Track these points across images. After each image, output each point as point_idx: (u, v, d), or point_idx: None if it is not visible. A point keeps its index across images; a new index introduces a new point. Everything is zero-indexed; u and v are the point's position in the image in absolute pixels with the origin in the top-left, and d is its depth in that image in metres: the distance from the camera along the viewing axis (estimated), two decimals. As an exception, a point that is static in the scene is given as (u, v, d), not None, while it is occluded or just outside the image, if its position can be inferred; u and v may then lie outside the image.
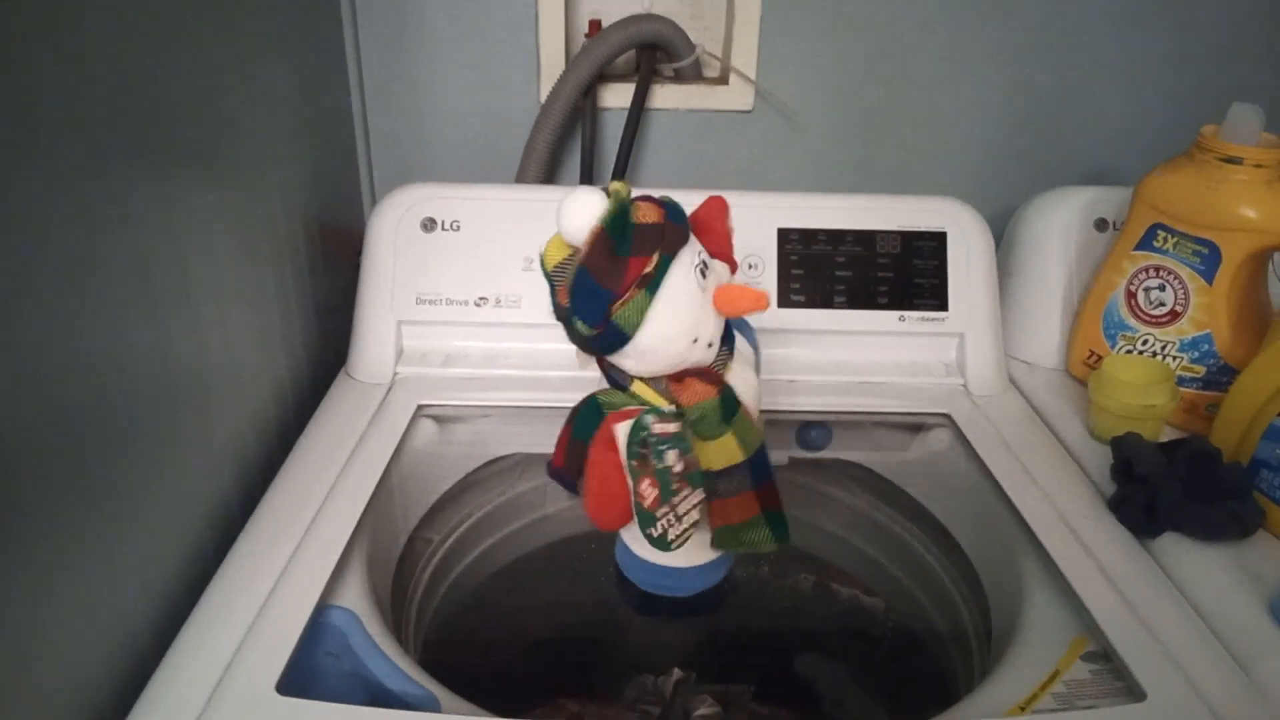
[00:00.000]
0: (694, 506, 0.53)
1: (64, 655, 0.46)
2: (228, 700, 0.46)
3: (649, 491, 0.52)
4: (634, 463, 0.52)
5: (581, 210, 0.49)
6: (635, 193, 0.52)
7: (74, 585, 0.46)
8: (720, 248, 0.57)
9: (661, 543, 0.53)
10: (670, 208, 0.52)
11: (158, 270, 0.54)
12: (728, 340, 0.56)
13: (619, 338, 0.51)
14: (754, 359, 0.62)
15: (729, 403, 0.53)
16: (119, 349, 0.51)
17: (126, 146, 0.51)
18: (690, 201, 0.55)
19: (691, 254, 0.52)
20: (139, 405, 0.53)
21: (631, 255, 0.50)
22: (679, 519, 0.53)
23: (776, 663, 0.69)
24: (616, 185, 0.51)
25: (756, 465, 0.54)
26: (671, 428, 0.52)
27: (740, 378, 0.57)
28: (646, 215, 0.50)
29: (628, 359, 0.53)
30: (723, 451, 0.53)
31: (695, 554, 0.58)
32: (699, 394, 0.53)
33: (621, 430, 0.52)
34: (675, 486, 0.52)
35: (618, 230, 0.49)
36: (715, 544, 0.57)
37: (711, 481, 0.54)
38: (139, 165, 0.52)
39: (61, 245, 0.45)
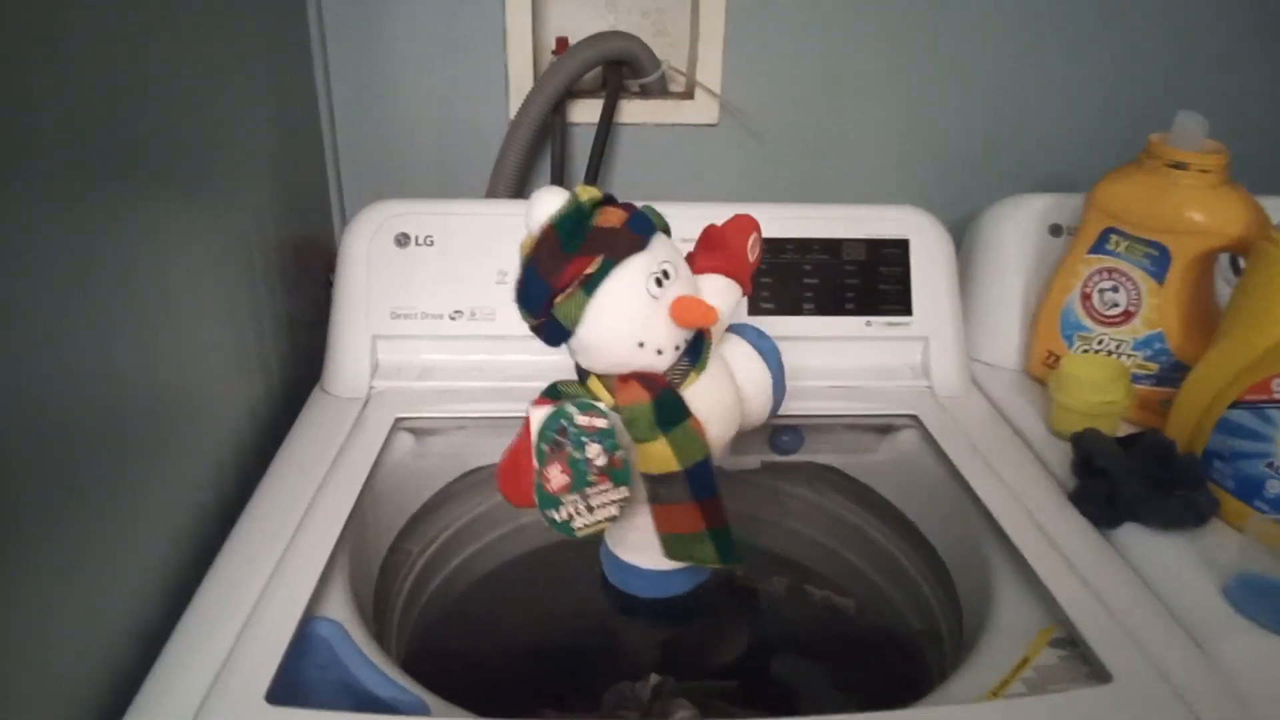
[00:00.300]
0: (611, 502, 0.55)
1: (46, 670, 0.46)
2: (217, 711, 0.46)
3: (557, 477, 0.53)
4: (545, 447, 0.53)
5: (541, 208, 0.54)
6: (622, 200, 0.54)
7: (52, 600, 0.46)
8: (730, 266, 0.60)
9: (565, 528, 0.54)
10: (635, 217, 0.54)
11: (141, 287, 0.55)
12: (692, 353, 0.57)
13: (560, 331, 0.54)
14: (768, 384, 0.63)
15: (667, 409, 0.55)
16: (104, 364, 0.51)
17: (112, 167, 0.52)
18: (666, 214, 0.57)
19: (648, 261, 0.54)
20: (123, 419, 0.53)
21: (576, 254, 0.53)
22: (590, 509, 0.54)
23: (753, 665, 0.70)
24: (580, 189, 0.54)
25: (695, 478, 0.56)
26: (599, 423, 0.54)
27: (712, 394, 0.58)
28: (607, 220, 0.54)
29: (577, 354, 0.56)
30: (656, 457, 0.55)
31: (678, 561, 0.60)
32: (634, 396, 0.55)
33: (536, 416, 0.53)
34: (592, 479, 0.53)
35: (566, 229, 0.53)
36: (666, 552, 0.58)
37: (652, 486, 0.56)
38: (123, 185, 0.53)
39: (52, 262, 0.46)
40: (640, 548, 0.61)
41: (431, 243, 0.80)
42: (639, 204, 0.57)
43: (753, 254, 0.63)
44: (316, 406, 0.77)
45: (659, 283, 0.54)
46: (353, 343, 0.79)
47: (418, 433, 0.76)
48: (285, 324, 0.81)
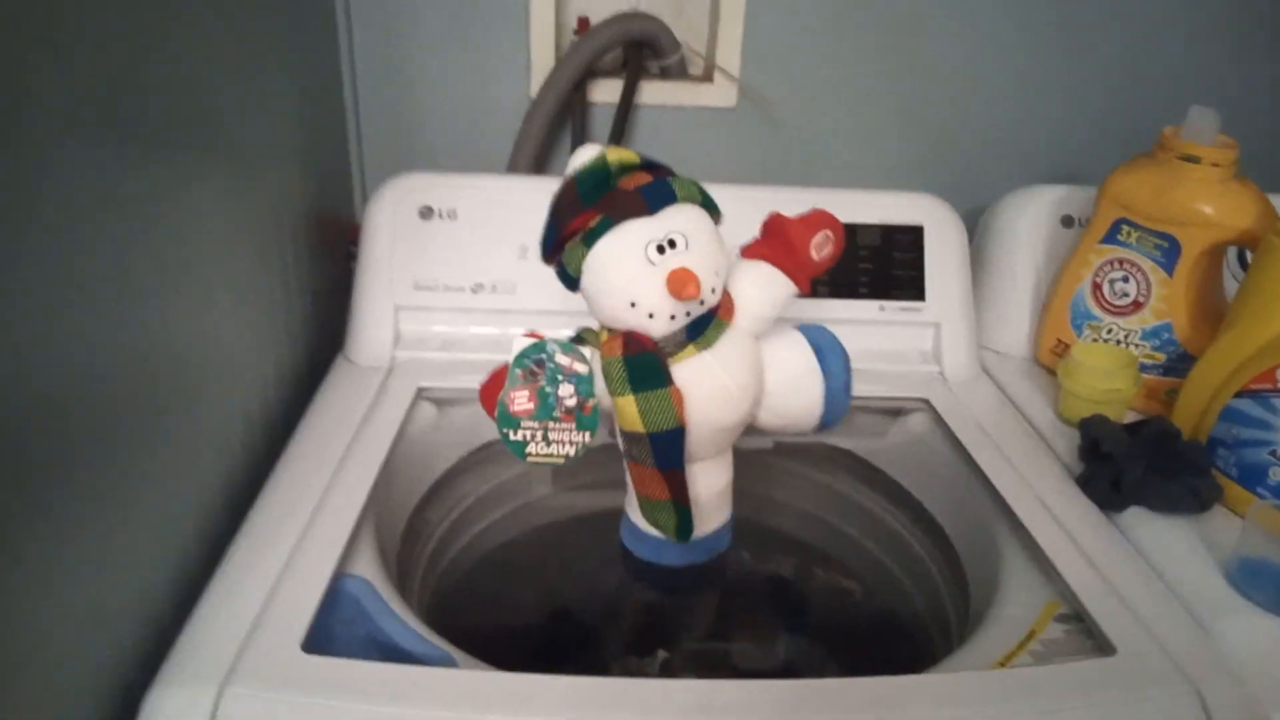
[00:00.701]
0: (570, 443, 0.58)
1: (94, 616, 0.48)
2: (255, 658, 0.48)
3: (523, 401, 0.56)
4: (518, 372, 0.57)
5: (575, 160, 0.58)
6: (665, 168, 0.58)
7: (100, 548, 0.48)
8: (780, 258, 0.61)
9: (518, 449, 0.58)
10: (652, 184, 0.57)
11: (167, 259, 0.56)
12: (695, 328, 0.58)
13: (568, 278, 0.59)
14: (815, 388, 0.62)
15: (640, 371, 0.56)
16: (139, 330, 0.52)
17: (144, 143, 0.53)
18: None
19: (651, 227, 0.56)
20: (157, 380, 0.54)
21: (588, 208, 0.57)
22: (546, 441, 0.57)
23: (759, 643, 0.72)
24: (612, 149, 0.57)
25: (659, 445, 0.57)
26: (578, 367, 0.57)
27: (711, 374, 0.59)
28: (627, 183, 0.57)
29: (587, 303, 0.59)
30: (624, 414, 0.57)
31: (724, 512, 0.65)
32: (611, 350, 0.57)
33: (518, 343, 0.57)
34: (558, 414, 0.57)
35: (587, 183, 0.57)
36: (642, 512, 0.62)
37: (625, 442, 0.59)
38: (155, 161, 0.54)
39: (90, 234, 0.47)
40: (698, 520, 0.63)
41: (454, 216, 0.81)
42: (681, 175, 0.59)
43: (819, 253, 0.61)
44: (340, 374, 0.79)
45: (660, 249, 0.56)
46: (376, 313, 0.80)
47: (439, 403, 0.77)
48: (309, 293, 0.82)
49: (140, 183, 0.52)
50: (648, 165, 0.60)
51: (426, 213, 0.81)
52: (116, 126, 0.50)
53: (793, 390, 0.62)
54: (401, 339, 0.81)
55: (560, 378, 0.57)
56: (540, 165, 0.97)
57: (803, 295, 0.62)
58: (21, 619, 0.42)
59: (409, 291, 0.81)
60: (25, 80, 0.41)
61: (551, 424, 0.57)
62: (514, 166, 0.96)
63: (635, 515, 0.64)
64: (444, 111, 0.98)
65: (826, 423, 0.63)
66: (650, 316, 0.57)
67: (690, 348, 0.58)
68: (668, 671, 0.66)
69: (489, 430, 0.77)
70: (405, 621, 0.54)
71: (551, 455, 0.58)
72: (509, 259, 0.81)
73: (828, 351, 0.63)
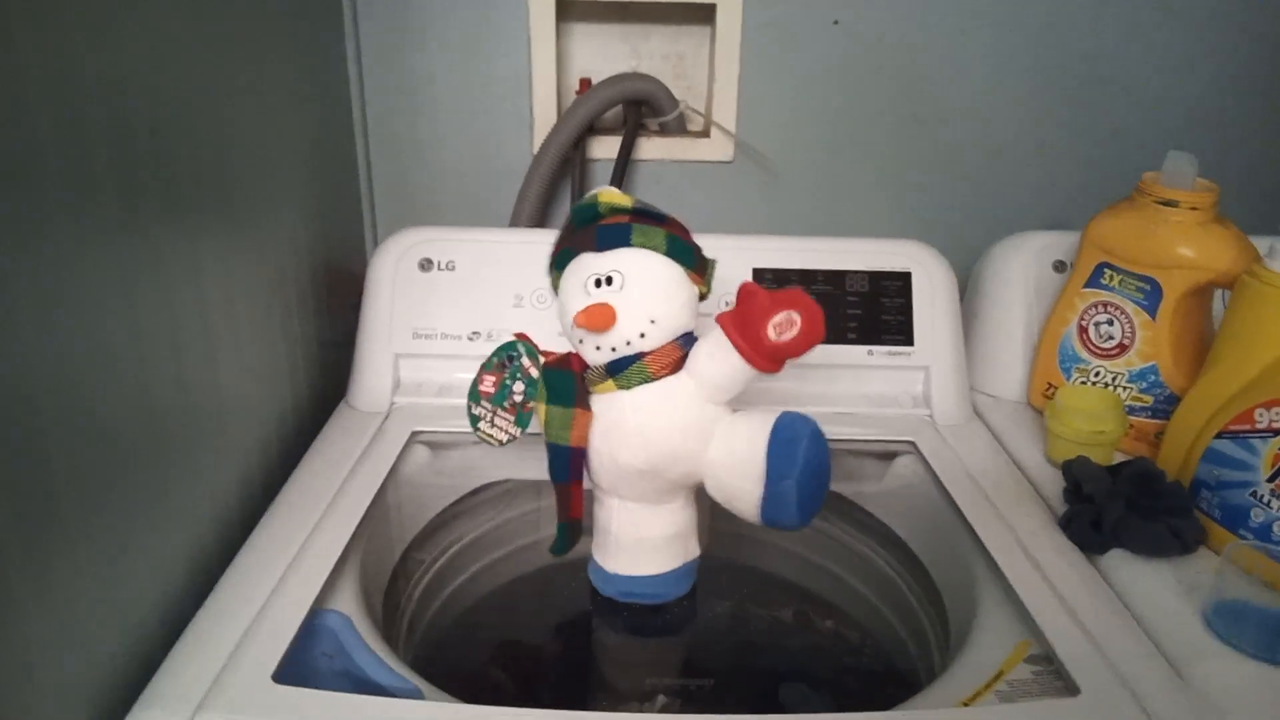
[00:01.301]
0: (504, 430, 0.67)
1: (82, 645, 0.50)
2: (228, 688, 0.50)
3: (488, 385, 0.67)
4: (494, 360, 0.68)
5: (586, 196, 0.65)
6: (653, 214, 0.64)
7: (93, 583, 0.51)
8: (740, 333, 0.59)
9: (473, 420, 0.68)
10: (611, 227, 0.63)
11: (181, 308, 0.60)
12: (616, 366, 0.62)
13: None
14: (753, 481, 0.59)
15: (554, 385, 0.64)
16: (145, 376, 0.56)
17: (160, 197, 0.57)
18: None
19: (594, 264, 0.62)
20: (160, 426, 0.58)
21: (564, 237, 0.66)
22: (492, 423, 0.68)
23: (758, 690, 0.72)
24: (604, 190, 0.64)
25: (553, 456, 0.64)
26: (532, 371, 0.66)
27: (623, 414, 0.62)
28: (605, 220, 0.64)
29: None
30: (541, 418, 0.65)
31: (651, 564, 0.66)
32: (544, 362, 0.66)
33: (505, 338, 0.68)
34: (507, 405, 0.67)
35: (577, 217, 0.65)
36: None
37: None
38: (170, 214, 0.58)
39: (103, 282, 0.51)
40: (610, 553, 0.67)
41: (453, 267, 0.85)
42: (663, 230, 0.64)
43: (779, 334, 0.58)
44: (341, 419, 0.82)
45: (598, 284, 0.61)
46: (376, 360, 0.84)
47: (433, 446, 0.80)
48: (315, 343, 0.86)
49: (158, 240, 0.57)
50: (638, 211, 0.63)
51: (426, 265, 0.85)
52: (137, 188, 0.54)
53: (734, 472, 0.61)
54: (400, 385, 0.84)
55: (519, 376, 0.66)
56: (541, 218, 1.00)
57: (768, 373, 0.59)
58: (22, 644, 0.44)
59: (408, 340, 0.84)
60: (45, 140, 0.45)
61: (500, 411, 0.67)
62: (517, 219, 0.99)
63: (596, 554, 0.68)
64: (451, 168, 1.03)
65: (769, 521, 0.60)
66: (580, 342, 0.63)
67: (609, 383, 0.62)
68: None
69: (483, 473, 0.80)
70: (380, 656, 0.56)
71: (492, 436, 0.68)
72: (504, 308, 0.84)
73: (784, 449, 0.58)
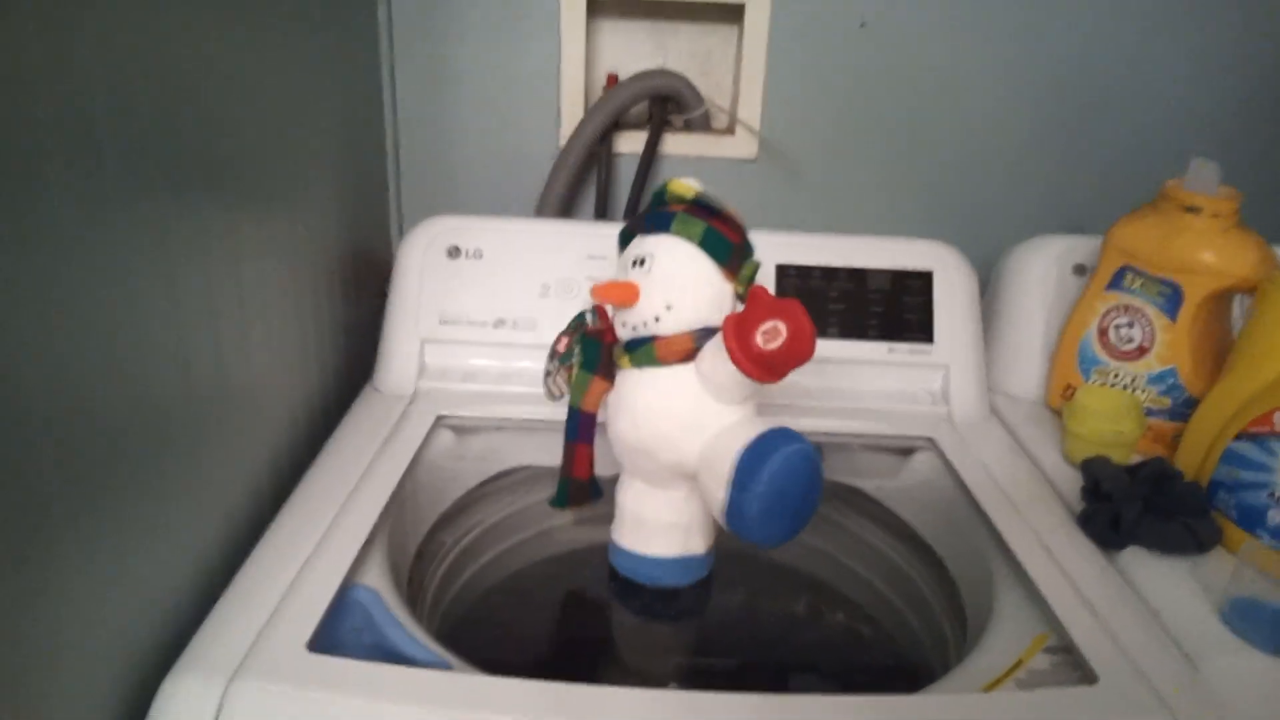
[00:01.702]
0: (559, 390, 0.70)
1: (120, 614, 0.51)
2: (263, 655, 0.51)
3: (562, 343, 0.70)
4: (573, 323, 0.70)
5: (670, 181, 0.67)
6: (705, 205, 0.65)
7: (135, 554, 0.52)
8: (736, 336, 0.58)
9: (545, 375, 0.71)
10: (656, 214, 0.64)
11: (220, 293, 0.61)
12: (631, 346, 0.65)
13: None
14: (717, 494, 0.59)
15: (584, 350, 0.68)
16: (183, 358, 0.57)
17: (201, 185, 0.58)
18: None
19: (638, 246, 0.65)
20: (196, 406, 0.59)
21: (637, 217, 0.67)
22: (555, 380, 0.71)
23: (771, 681, 0.73)
24: (674, 181, 0.66)
25: (570, 418, 0.68)
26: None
27: (633, 393, 0.65)
28: (663, 207, 0.65)
29: None
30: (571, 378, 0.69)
31: (651, 545, 0.68)
32: (585, 331, 0.69)
33: (589, 301, 0.69)
34: (569, 364, 0.70)
35: (655, 197, 0.68)
36: None
37: None
38: (210, 202, 0.60)
39: (145, 269, 0.52)
40: (630, 532, 0.69)
41: (480, 256, 0.86)
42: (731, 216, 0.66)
43: (766, 342, 0.56)
44: (367, 402, 0.83)
45: (634, 265, 0.63)
46: (403, 345, 0.85)
47: (458, 430, 0.81)
48: (343, 328, 0.87)
49: (193, 225, 0.58)
50: (695, 202, 0.65)
51: (454, 252, 0.86)
52: (184, 174, 0.56)
53: (709, 473, 0.60)
54: (426, 370, 0.85)
55: (581, 338, 0.69)
56: (567, 210, 1.01)
57: (761, 381, 0.58)
58: (57, 618, 0.45)
59: (435, 325, 0.85)
60: (91, 133, 0.46)
61: (562, 369, 0.70)
62: (541, 210, 1.01)
63: (616, 535, 0.70)
64: (479, 159, 1.04)
65: (733, 529, 0.58)
66: (613, 315, 0.67)
67: (625, 358, 0.65)
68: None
69: (505, 458, 0.81)
70: (409, 630, 0.57)
71: (551, 391, 0.71)
72: (530, 296, 0.85)
73: (753, 461, 0.57)
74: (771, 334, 0.56)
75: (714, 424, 0.62)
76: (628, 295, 0.63)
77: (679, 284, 0.63)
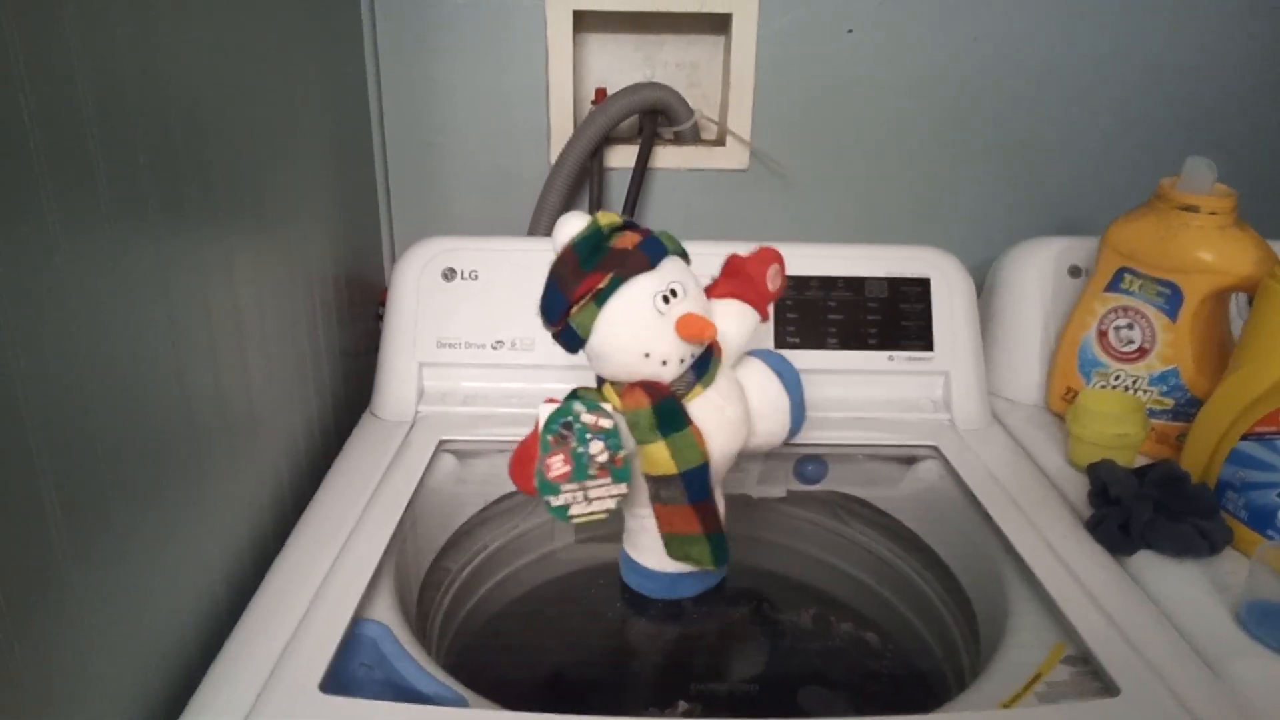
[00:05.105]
0: (610, 496, 0.60)
1: (124, 656, 0.50)
2: (275, 698, 0.50)
3: (559, 466, 0.58)
4: (549, 438, 0.58)
5: (565, 230, 0.61)
6: (642, 226, 0.61)
7: (131, 591, 0.51)
8: (746, 292, 0.66)
9: (561, 513, 0.59)
10: (648, 240, 0.60)
11: (218, 319, 0.60)
12: (700, 367, 0.62)
13: (575, 339, 0.61)
14: (784, 406, 0.69)
15: (667, 415, 0.60)
16: (181, 383, 0.56)
17: (195, 207, 0.57)
18: (693, 251, 0.64)
19: (655, 280, 0.59)
20: (196, 432, 0.58)
21: (591, 271, 0.59)
22: (588, 500, 0.59)
23: (780, 694, 0.72)
24: (601, 214, 0.60)
25: (691, 481, 0.61)
26: (604, 423, 0.59)
27: (717, 408, 0.63)
28: (621, 242, 0.59)
29: (592, 361, 0.62)
30: (655, 458, 0.60)
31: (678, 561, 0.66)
32: (636, 401, 0.60)
33: (544, 410, 0.59)
34: (593, 472, 0.59)
35: (585, 249, 0.59)
36: (667, 551, 0.64)
37: (653, 487, 0.61)
38: (205, 224, 0.59)
39: (143, 291, 0.51)
40: (650, 549, 0.66)
41: (476, 277, 0.85)
42: (655, 230, 0.62)
43: (773, 284, 0.67)
44: (366, 429, 0.82)
45: (665, 299, 0.59)
46: (401, 369, 0.84)
47: (460, 455, 0.80)
48: (338, 352, 0.86)
49: (197, 242, 0.57)
50: (629, 225, 0.63)
51: (449, 274, 0.85)
52: (177, 191, 0.55)
53: (768, 411, 0.68)
54: (425, 394, 0.84)
55: (589, 436, 0.58)
56: (559, 227, 1.01)
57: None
58: (62, 652, 0.44)
59: (432, 349, 0.84)
60: (94, 166, 0.46)
61: (589, 483, 0.59)
62: (535, 229, 1.00)
63: (634, 552, 0.68)
64: (470, 179, 1.03)
65: (792, 435, 0.71)
66: (664, 364, 0.60)
67: (698, 387, 0.62)
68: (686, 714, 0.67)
69: (508, 481, 0.80)
70: (421, 665, 0.56)
71: (594, 512, 0.60)
72: (527, 317, 0.84)
73: (787, 374, 0.69)
74: (775, 275, 0.68)
75: (742, 383, 0.68)
76: (711, 327, 0.60)
77: (701, 294, 0.64)
